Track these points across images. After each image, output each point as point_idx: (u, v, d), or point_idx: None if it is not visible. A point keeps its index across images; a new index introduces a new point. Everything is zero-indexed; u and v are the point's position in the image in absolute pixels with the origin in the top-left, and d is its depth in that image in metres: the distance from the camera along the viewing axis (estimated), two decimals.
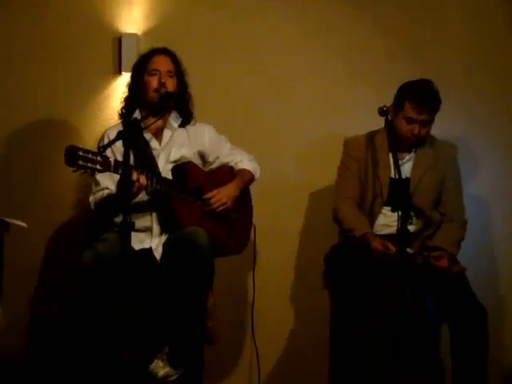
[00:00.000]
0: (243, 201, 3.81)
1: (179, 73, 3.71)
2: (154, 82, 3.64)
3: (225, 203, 3.65)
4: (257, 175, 3.89)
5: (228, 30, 4.35)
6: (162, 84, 3.62)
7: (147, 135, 3.66)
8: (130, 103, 3.68)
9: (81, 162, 3.11)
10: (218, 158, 3.83)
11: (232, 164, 3.85)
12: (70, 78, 4.16)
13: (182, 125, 3.75)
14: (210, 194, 3.64)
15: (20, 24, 4.14)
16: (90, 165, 3.14)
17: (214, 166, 3.83)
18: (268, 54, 4.39)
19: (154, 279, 3.50)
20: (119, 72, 4.19)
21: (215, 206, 3.63)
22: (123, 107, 3.71)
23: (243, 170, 3.83)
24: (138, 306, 3.45)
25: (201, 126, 3.81)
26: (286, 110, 4.40)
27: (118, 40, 4.18)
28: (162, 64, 3.66)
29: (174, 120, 3.74)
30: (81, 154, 3.10)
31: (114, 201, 3.51)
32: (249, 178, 3.85)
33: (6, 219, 3.58)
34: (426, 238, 3.79)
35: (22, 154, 4.15)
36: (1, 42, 4.13)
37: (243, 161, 3.86)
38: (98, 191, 3.61)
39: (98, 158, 3.16)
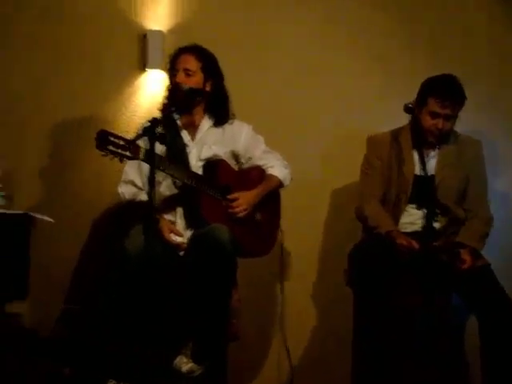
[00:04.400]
0: (270, 202, 3.81)
1: (208, 71, 3.69)
2: (174, 81, 3.67)
3: (244, 209, 3.65)
4: (286, 182, 3.85)
5: (252, 26, 4.34)
6: (175, 83, 3.64)
7: (180, 131, 3.69)
8: (166, 98, 3.70)
9: (111, 147, 3.14)
10: (250, 158, 3.82)
11: (264, 168, 3.83)
12: (95, 74, 4.18)
13: (218, 123, 3.75)
14: (232, 196, 3.65)
15: (46, 24, 4.16)
16: (119, 151, 3.17)
17: (246, 166, 3.83)
18: (289, 50, 4.39)
19: (177, 274, 3.51)
20: (144, 69, 4.20)
21: (235, 210, 3.63)
22: (163, 101, 3.72)
23: (271, 177, 3.81)
24: (163, 301, 3.47)
25: (238, 125, 3.81)
26: (309, 106, 4.39)
27: (144, 37, 4.19)
28: (181, 62, 3.67)
29: (208, 118, 3.75)
30: (112, 139, 3.13)
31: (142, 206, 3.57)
32: (276, 184, 3.82)
33: (33, 214, 3.60)
34: (450, 234, 3.77)
35: (50, 149, 4.17)
36: (30, 39, 4.16)
37: (275, 167, 3.83)
38: (125, 183, 3.68)
39: (129, 145, 3.19)
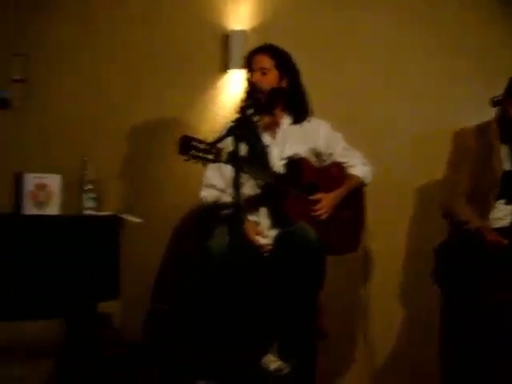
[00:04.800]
0: (353, 199, 3.79)
1: (283, 68, 3.69)
2: (251, 81, 3.67)
3: (325, 212, 3.62)
4: (367, 180, 3.83)
5: (335, 23, 4.32)
6: (250, 83, 3.66)
7: (260, 131, 3.70)
8: (245, 99, 3.72)
9: (193, 152, 3.17)
10: (331, 155, 3.80)
11: (344, 166, 3.81)
12: (179, 76, 4.23)
13: (296, 121, 3.76)
14: (315, 197, 3.64)
15: (129, 25, 4.26)
16: (202, 154, 3.20)
17: (326, 163, 3.81)
18: (375, 47, 4.34)
19: (262, 274, 3.52)
20: (226, 69, 4.23)
21: (317, 213, 3.61)
22: (241, 100, 3.75)
23: (352, 177, 3.79)
24: (248, 300, 3.49)
25: (317, 122, 3.80)
26: (392, 104, 4.34)
27: (226, 37, 4.22)
28: (256, 62, 3.68)
29: (287, 116, 3.76)
30: (194, 143, 3.17)
31: (227, 207, 3.60)
32: (357, 184, 3.79)
33: (122, 215, 3.66)
34: None
35: (137, 153, 4.26)
36: (121, 42, 4.26)
37: (356, 166, 3.81)
38: (207, 187, 3.71)
39: (211, 148, 3.21)
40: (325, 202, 3.64)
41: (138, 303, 4.09)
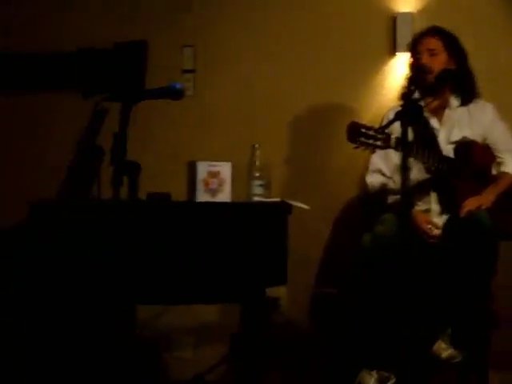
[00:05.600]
0: None
1: (451, 50, 3.63)
2: (418, 63, 3.62)
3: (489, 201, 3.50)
4: None
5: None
6: (419, 66, 3.59)
7: (427, 114, 3.63)
8: (410, 83, 3.67)
9: (362, 139, 3.17)
10: (494, 145, 3.67)
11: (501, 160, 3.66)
12: (345, 60, 4.22)
13: (464, 102, 3.68)
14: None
15: (294, 11, 4.29)
16: (371, 141, 3.19)
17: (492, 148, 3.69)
18: None
19: (430, 262, 3.48)
20: (393, 53, 4.18)
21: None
22: (405, 85, 3.71)
23: (505, 175, 3.64)
24: (419, 286, 3.45)
25: (482, 104, 3.71)
26: None
27: (393, 20, 4.17)
28: (424, 44, 3.63)
29: (454, 99, 3.68)
30: (363, 130, 3.17)
31: (393, 194, 3.57)
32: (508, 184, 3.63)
33: (290, 202, 3.71)
34: None
35: (302, 138, 4.30)
36: (285, 28, 4.29)
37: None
38: (373, 172, 3.71)
39: (379, 135, 3.19)
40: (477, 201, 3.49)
41: (304, 288, 4.14)
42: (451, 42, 3.65)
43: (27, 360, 2.99)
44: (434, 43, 3.62)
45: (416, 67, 3.65)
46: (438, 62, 3.61)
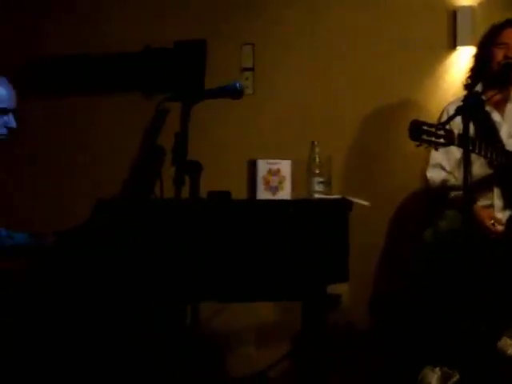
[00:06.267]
0: None
1: None
2: (499, 55, 3.57)
3: None
4: None
5: None
6: (507, 58, 3.53)
7: (489, 108, 3.60)
8: (474, 75, 3.63)
9: (425, 137, 3.14)
10: None
11: None
12: (408, 55, 4.17)
13: None
14: None
15: (356, 9, 4.28)
16: (433, 139, 3.16)
17: None
18: None
19: (491, 258, 3.44)
20: (454, 46, 4.13)
21: None
22: (468, 77, 3.68)
23: None
24: (483, 282, 3.41)
25: None
26: None
27: (453, 13, 4.11)
28: (510, 36, 3.58)
29: None
30: (425, 128, 3.13)
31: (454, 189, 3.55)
32: None
33: (350, 198, 3.70)
34: None
35: (363, 134, 4.27)
36: (352, 18, 4.29)
37: None
38: (434, 167, 3.68)
39: (442, 132, 3.17)
40: None
41: (365, 284, 4.14)
42: None
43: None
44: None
45: (505, 57, 3.57)
46: None
